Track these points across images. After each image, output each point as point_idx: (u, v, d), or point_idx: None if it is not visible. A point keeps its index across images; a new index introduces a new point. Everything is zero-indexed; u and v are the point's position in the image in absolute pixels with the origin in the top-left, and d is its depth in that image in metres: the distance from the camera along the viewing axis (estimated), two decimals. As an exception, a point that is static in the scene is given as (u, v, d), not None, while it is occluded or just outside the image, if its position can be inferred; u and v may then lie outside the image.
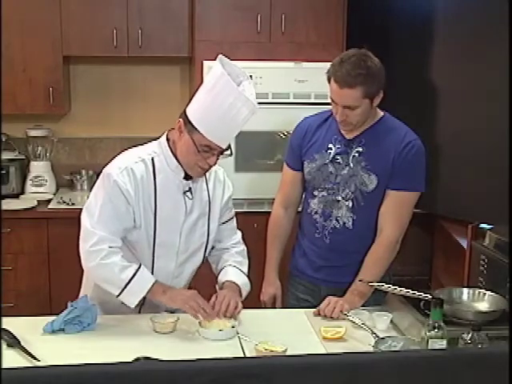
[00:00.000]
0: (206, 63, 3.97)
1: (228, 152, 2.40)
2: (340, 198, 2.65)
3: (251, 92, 2.31)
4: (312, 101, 3.98)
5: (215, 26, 4.00)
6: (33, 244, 3.99)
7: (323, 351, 2.24)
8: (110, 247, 2.35)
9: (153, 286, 2.36)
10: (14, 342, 2.20)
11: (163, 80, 4.58)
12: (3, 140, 4.28)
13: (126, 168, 2.37)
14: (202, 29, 4.00)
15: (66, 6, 4.05)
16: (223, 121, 2.28)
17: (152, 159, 2.41)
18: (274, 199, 2.92)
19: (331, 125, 2.71)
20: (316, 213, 2.71)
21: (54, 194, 4.34)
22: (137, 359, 2.07)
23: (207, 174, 2.49)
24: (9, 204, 4.07)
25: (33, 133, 4.37)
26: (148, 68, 4.57)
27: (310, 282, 2.78)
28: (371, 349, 2.18)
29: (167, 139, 2.44)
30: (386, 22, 4.22)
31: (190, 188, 2.46)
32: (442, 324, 2.05)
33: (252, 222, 3.92)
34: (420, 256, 4.43)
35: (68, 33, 4.08)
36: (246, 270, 2.63)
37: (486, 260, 3.35)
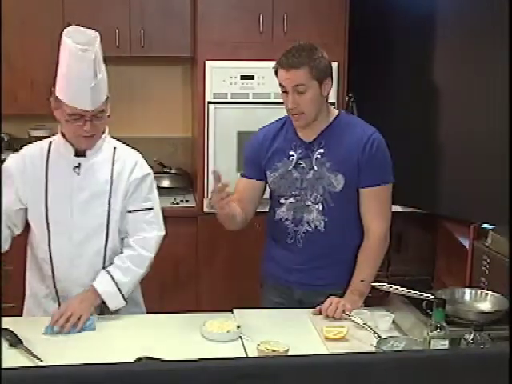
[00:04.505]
0: (208, 63, 3.97)
1: (107, 114, 2.48)
2: (309, 203, 2.65)
3: (94, 48, 2.42)
4: (314, 101, 3.97)
5: (217, 26, 3.99)
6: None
7: (325, 351, 2.24)
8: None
9: None
10: (17, 342, 2.21)
11: (165, 80, 4.58)
12: (5, 140, 4.28)
13: (16, 154, 2.55)
14: (205, 29, 3.99)
15: (67, 6, 4.05)
16: (72, 82, 2.38)
17: (50, 142, 2.56)
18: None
19: (288, 131, 2.71)
20: (287, 219, 2.69)
21: (56, 194, 4.33)
22: (139, 359, 2.07)
23: (116, 155, 2.55)
24: (10, 204, 4.06)
25: (35, 133, 4.36)
26: (150, 68, 4.57)
27: (283, 285, 2.75)
28: (373, 349, 2.18)
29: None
30: (387, 22, 4.21)
31: (79, 164, 2.49)
32: (444, 324, 2.05)
33: (253, 222, 3.90)
34: (422, 256, 4.42)
35: (69, 33, 4.08)
36: (125, 278, 2.48)
37: (488, 260, 3.35)
